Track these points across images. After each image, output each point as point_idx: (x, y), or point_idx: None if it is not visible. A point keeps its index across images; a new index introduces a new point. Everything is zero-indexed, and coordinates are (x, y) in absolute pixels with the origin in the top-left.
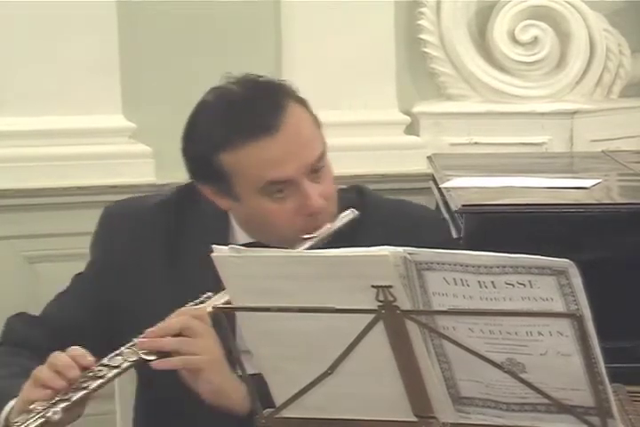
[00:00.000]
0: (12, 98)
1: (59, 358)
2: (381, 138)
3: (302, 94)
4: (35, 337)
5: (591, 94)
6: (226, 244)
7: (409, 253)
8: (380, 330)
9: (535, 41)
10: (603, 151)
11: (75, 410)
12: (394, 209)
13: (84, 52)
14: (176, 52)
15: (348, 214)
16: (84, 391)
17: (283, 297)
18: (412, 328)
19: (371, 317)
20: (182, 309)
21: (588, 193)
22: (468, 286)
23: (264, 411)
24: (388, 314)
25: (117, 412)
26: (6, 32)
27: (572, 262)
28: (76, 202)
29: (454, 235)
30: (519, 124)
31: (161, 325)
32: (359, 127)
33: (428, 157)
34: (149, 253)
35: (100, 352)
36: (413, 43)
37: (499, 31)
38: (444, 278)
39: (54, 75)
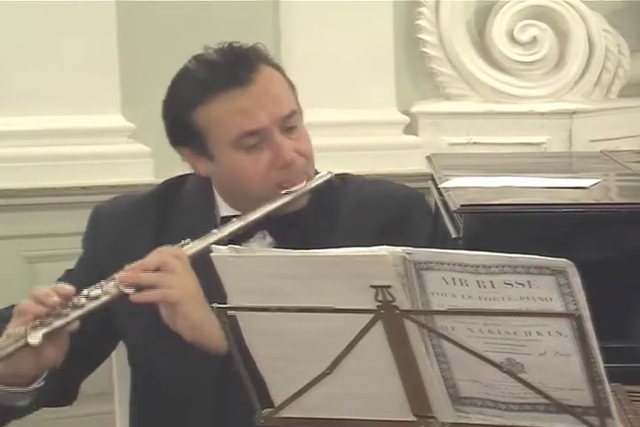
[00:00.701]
0: (11, 98)
1: (38, 289)
2: (380, 138)
3: (302, 94)
4: None
5: (590, 94)
6: (210, 218)
7: (408, 253)
8: (378, 330)
9: (534, 41)
10: (602, 151)
11: (56, 342)
12: (373, 184)
13: (82, 51)
14: (175, 51)
15: (325, 175)
16: (65, 319)
17: (281, 297)
18: (411, 328)
19: (369, 317)
20: (161, 248)
21: (586, 193)
22: (466, 285)
23: (263, 411)
24: (387, 314)
25: (116, 412)
26: (5, 32)
27: (570, 262)
28: (75, 202)
29: (453, 235)
30: (518, 123)
31: (140, 261)
32: (358, 127)
33: (427, 157)
34: (138, 243)
35: (92, 346)
36: (412, 42)
37: (497, 31)
38: (443, 278)
39: (53, 74)
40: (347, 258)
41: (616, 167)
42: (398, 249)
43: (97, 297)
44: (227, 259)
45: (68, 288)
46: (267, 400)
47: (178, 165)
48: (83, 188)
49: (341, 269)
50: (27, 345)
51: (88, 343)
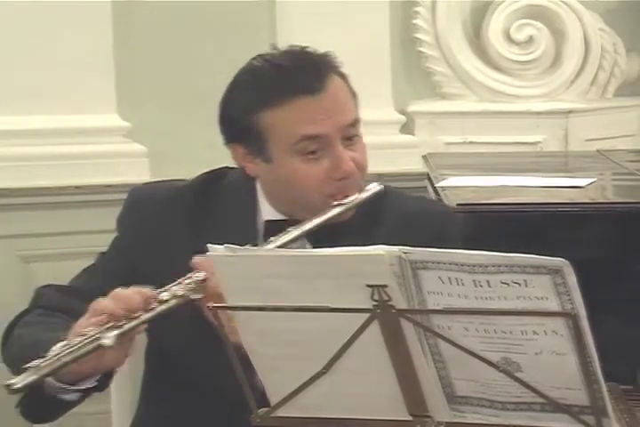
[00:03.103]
0: (7, 97)
1: (120, 290)
2: (376, 137)
3: None
4: (71, 303)
5: (586, 93)
6: (252, 219)
7: (404, 253)
8: (375, 329)
9: (530, 40)
10: (597, 150)
11: (122, 344)
12: (414, 199)
13: (78, 51)
14: (171, 51)
15: (375, 186)
16: (136, 322)
17: (278, 296)
18: (407, 327)
19: (366, 316)
20: None
21: (582, 192)
22: (463, 285)
23: (259, 410)
24: (383, 313)
25: (113, 411)
26: (2, 32)
27: (566, 261)
28: (72, 201)
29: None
30: (514, 123)
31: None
32: None
33: (424, 157)
34: (173, 234)
35: None
36: (408, 42)
37: (494, 30)
38: (440, 277)
39: (49, 74)
40: (343, 257)
41: (612, 166)
42: (394, 248)
43: (167, 300)
44: (224, 258)
45: (152, 292)
46: (263, 399)
47: (173, 165)
48: (77, 187)
49: (338, 269)
50: (99, 347)
51: None
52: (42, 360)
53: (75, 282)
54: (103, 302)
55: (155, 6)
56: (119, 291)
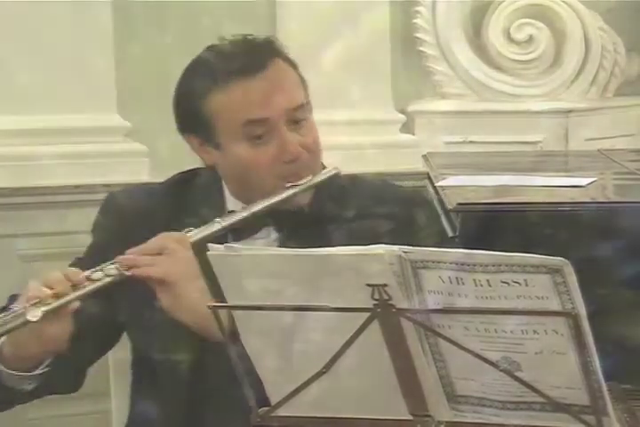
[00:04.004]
0: (7, 96)
1: (51, 273)
2: (377, 137)
3: None
4: None
5: (586, 93)
6: (222, 214)
7: (404, 252)
8: (375, 329)
9: (530, 39)
10: (598, 150)
11: (58, 322)
12: (381, 186)
13: (78, 50)
14: (172, 50)
15: (330, 170)
16: (64, 299)
17: (278, 295)
18: (408, 327)
19: (366, 315)
20: (164, 233)
21: (583, 191)
22: (463, 284)
23: (259, 410)
24: (384, 313)
25: (113, 411)
26: (1, 32)
27: (567, 261)
28: (72, 201)
29: (450, 233)
30: (514, 122)
31: (142, 245)
32: (354, 126)
33: (424, 156)
34: (151, 231)
35: (96, 331)
36: (409, 41)
37: (494, 30)
38: (440, 277)
39: (50, 73)
40: (343, 257)
41: (612, 166)
42: (395, 248)
43: (98, 279)
44: (223, 257)
45: (77, 272)
46: (263, 398)
47: (174, 164)
48: (77, 187)
49: (338, 268)
50: (27, 322)
51: (92, 328)
52: None
53: None
54: (31, 286)
55: (155, 6)
56: (47, 273)
